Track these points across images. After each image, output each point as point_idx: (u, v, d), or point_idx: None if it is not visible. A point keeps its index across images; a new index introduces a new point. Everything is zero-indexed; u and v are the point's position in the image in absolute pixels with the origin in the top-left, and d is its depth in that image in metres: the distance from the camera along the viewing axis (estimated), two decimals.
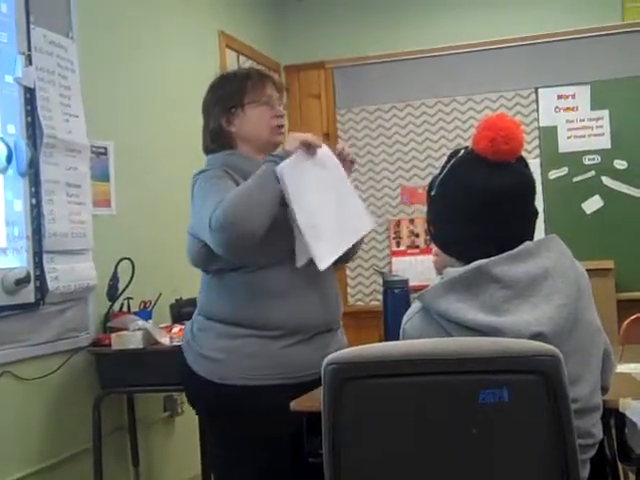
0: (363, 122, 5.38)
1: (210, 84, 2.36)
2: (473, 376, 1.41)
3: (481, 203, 1.61)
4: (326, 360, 1.47)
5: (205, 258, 2.17)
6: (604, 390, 1.66)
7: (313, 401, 1.88)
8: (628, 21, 4.94)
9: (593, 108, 5.04)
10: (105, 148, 3.41)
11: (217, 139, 2.27)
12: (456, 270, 1.58)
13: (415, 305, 1.66)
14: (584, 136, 5.05)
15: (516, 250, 1.57)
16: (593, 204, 5.02)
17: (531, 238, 1.64)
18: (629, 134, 4.96)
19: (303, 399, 1.96)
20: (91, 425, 3.03)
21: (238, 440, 2.16)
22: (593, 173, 5.02)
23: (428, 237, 1.79)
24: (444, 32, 5.23)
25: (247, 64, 4.91)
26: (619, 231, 4.93)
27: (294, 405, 1.91)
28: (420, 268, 5.18)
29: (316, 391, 2.00)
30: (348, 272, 5.41)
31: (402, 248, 5.30)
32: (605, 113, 5.01)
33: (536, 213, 1.69)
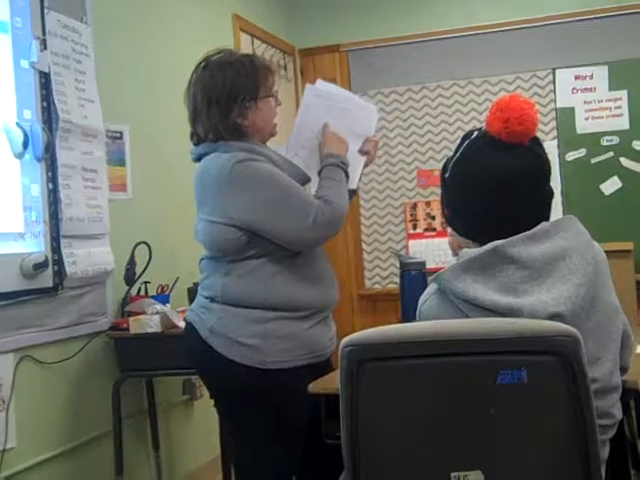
0: (379, 105, 5.34)
1: (210, 67, 2.27)
2: (491, 357, 1.40)
3: (495, 185, 1.59)
4: (343, 342, 1.47)
5: (241, 246, 2.19)
6: (623, 370, 1.65)
7: (330, 383, 1.89)
8: None
9: (611, 89, 4.98)
10: (121, 132, 3.41)
11: (232, 132, 2.24)
12: (472, 251, 1.57)
13: (431, 286, 1.65)
14: (602, 117, 4.99)
15: (532, 231, 1.56)
16: (611, 185, 4.97)
17: (547, 219, 1.63)
18: None
19: (320, 382, 1.96)
20: (111, 409, 3.05)
21: (276, 421, 2.20)
22: (611, 154, 4.97)
23: (443, 219, 1.77)
24: (460, 13, 5.18)
25: (261, 48, 4.90)
26: (638, 212, 4.88)
27: (312, 388, 1.92)
28: (436, 250, 5.16)
29: (333, 373, 2.01)
30: (365, 255, 5.40)
31: (419, 231, 5.28)
32: (624, 93, 4.95)
33: (551, 194, 1.67)
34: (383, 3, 5.31)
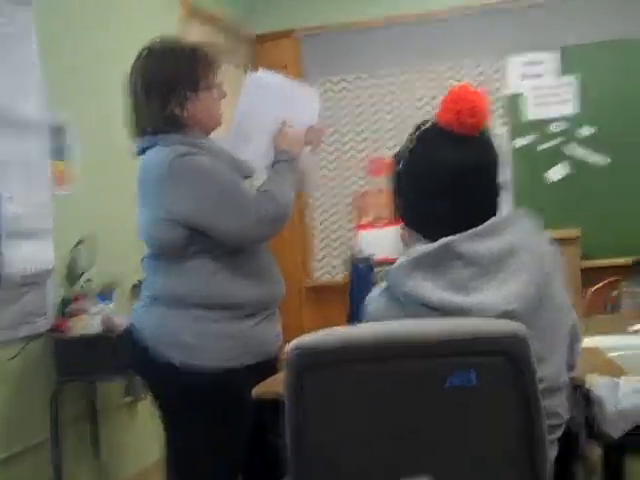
0: (329, 92, 5.30)
1: (152, 55, 2.21)
2: (440, 359, 1.37)
3: (446, 177, 1.57)
4: (288, 347, 1.42)
5: (182, 244, 2.13)
6: (571, 367, 1.63)
7: (274, 386, 1.85)
8: None
9: (562, 74, 5.00)
10: (62, 125, 3.31)
11: (171, 123, 2.18)
12: (423, 248, 1.53)
13: (380, 285, 1.62)
14: (551, 103, 5.02)
15: (482, 227, 1.53)
16: (558, 172, 5.00)
17: (496, 212, 1.61)
18: (598, 100, 4.93)
19: (264, 385, 1.92)
20: (49, 414, 2.96)
21: (223, 421, 2.15)
22: (559, 140, 5.00)
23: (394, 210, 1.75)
24: (411, 1, 5.15)
25: (212, 34, 4.80)
26: (585, 199, 4.92)
27: (255, 392, 1.87)
28: (386, 241, 5.13)
29: (278, 376, 1.97)
30: (314, 246, 5.35)
31: (369, 219, 5.24)
32: (574, 79, 4.98)
33: (500, 186, 1.64)
34: None
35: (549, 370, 1.51)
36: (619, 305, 3.31)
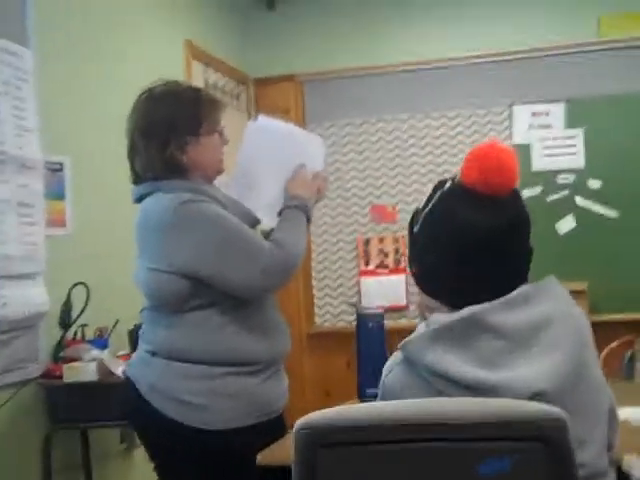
0: (332, 137, 5.23)
1: (152, 97, 2.14)
2: (469, 444, 1.23)
3: (471, 242, 1.44)
4: (298, 424, 1.28)
5: (185, 297, 2.02)
6: (610, 447, 1.49)
7: (281, 453, 1.73)
8: (604, 38, 4.85)
9: (567, 126, 4.95)
10: (60, 164, 3.21)
11: (171, 168, 2.08)
12: (444, 318, 1.41)
13: (397, 355, 1.48)
14: (558, 155, 4.95)
15: (512, 295, 1.41)
16: (566, 224, 4.92)
17: (526, 277, 1.49)
18: (604, 153, 4.86)
19: (270, 451, 1.80)
20: (40, 464, 2.82)
21: None
22: (567, 192, 4.92)
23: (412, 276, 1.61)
24: (417, 47, 5.12)
25: (214, 76, 4.74)
26: (592, 252, 4.82)
27: (261, 459, 1.74)
28: (389, 288, 5.00)
29: (284, 441, 1.85)
30: (315, 292, 5.23)
31: (371, 267, 5.13)
32: (580, 131, 4.92)
33: (531, 250, 1.53)
34: (340, 34, 5.22)
35: (590, 454, 1.37)
36: (633, 367, 3.16)
